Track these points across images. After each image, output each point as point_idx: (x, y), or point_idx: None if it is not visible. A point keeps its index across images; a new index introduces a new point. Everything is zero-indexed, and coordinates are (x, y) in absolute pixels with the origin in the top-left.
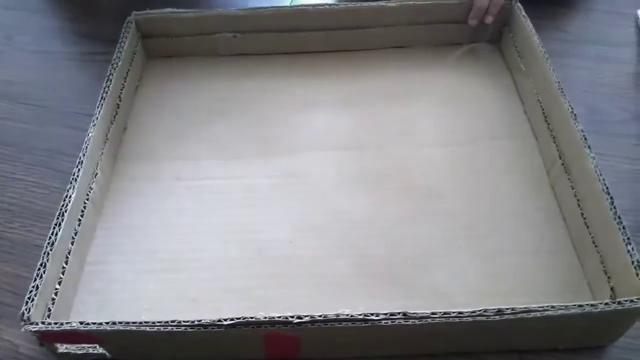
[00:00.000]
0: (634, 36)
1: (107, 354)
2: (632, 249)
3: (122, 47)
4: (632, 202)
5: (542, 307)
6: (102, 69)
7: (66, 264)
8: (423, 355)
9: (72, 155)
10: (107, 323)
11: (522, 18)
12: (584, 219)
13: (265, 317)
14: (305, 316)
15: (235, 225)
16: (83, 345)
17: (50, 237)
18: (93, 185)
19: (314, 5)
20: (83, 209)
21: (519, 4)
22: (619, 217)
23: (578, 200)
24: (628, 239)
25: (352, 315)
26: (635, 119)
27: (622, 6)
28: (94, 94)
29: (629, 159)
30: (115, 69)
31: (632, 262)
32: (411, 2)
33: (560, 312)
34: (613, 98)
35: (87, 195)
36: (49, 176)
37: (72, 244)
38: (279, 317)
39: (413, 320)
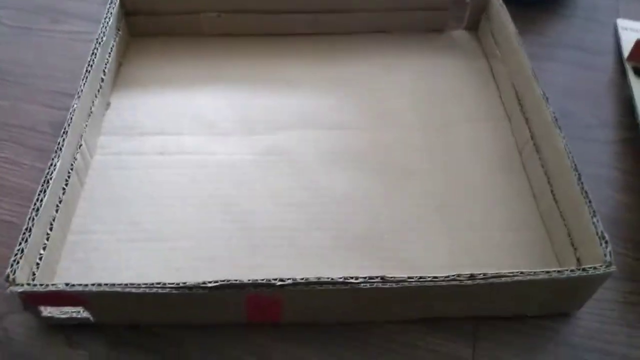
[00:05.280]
0: (611, 45)
1: (90, 317)
2: (597, 220)
3: (107, 24)
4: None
5: (512, 272)
6: (85, 48)
7: (50, 230)
8: (394, 322)
9: (45, 132)
10: (92, 285)
11: (500, 7)
12: (553, 194)
13: (249, 280)
14: (288, 279)
15: (218, 198)
16: (67, 309)
17: (35, 203)
18: (77, 156)
19: None
20: (67, 177)
21: None
22: (586, 192)
23: (548, 177)
24: (594, 211)
25: (332, 279)
26: (603, 126)
27: (603, 15)
28: (75, 73)
29: (593, 164)
30: (99, 44)
31: (597, 233)
32: None
33: (529, 277)
34: (585, 104)
35: (72, 165)
36: (21, 153)
37: (57, 211)
38: (262, 280)
39: (390, 284)
